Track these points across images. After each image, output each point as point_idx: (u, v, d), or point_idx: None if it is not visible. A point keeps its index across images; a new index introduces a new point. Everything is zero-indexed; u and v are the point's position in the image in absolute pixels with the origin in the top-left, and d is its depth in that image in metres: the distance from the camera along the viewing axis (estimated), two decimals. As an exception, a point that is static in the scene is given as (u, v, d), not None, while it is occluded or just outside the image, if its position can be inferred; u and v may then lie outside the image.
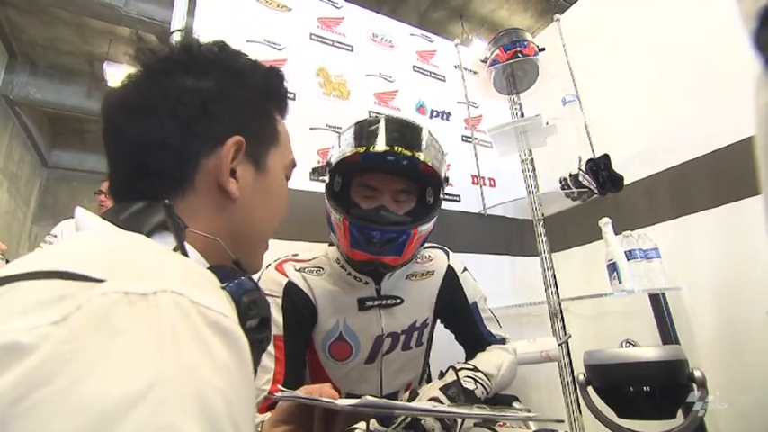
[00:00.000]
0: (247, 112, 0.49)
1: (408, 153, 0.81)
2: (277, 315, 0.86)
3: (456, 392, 0.83)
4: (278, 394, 0.53)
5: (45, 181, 6.73)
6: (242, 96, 0.49)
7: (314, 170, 0.90)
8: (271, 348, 0.84)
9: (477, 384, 0.87)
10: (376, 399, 0.46)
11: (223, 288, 0.36)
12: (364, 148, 0.81)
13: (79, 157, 6.93)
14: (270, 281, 0.90)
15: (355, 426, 0.73)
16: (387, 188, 0.87)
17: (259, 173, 0.49)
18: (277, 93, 0.55)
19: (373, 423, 0.71)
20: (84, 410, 0.21)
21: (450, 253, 1.09)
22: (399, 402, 0.48)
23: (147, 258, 0.32)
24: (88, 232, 0.39)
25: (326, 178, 0.88)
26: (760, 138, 0.26)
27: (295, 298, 0.89)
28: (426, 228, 0.89)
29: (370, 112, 1.76)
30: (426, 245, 1.03)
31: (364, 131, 0.85)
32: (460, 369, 0.89)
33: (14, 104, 5.35)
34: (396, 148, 0.80)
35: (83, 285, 0.26)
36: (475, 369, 0.90)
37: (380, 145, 0.80)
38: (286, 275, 0.90)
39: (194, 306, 0.27)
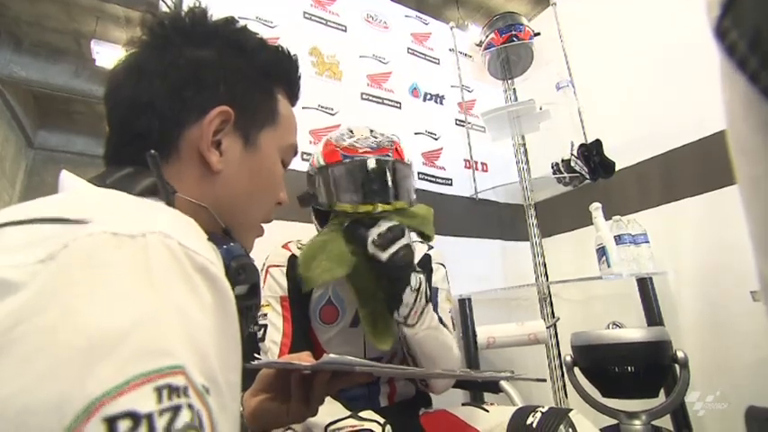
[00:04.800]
0: (243, 85, 0.48)
1: (390, 208, 0.96)
2: (282, 280, 0.99)
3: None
4: (254, 362, 0.53)
5: (31, 162, 6.59)
6: (240, 70, 0.48)
7: (300, 198, 1.01)
8: (278, 307, 0.96)
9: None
10: (337, 356, 0.47)
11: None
12: (351, 206, 0.96)
13: (67, 138, 6.78)
14: (277, 255, 1.03)
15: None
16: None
17: (248, 149, 0.47)
18: (284, 74, 0.53)
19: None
20: (77, 337, 0.22)
21: (435, 249, 1.16)
22: (362, 360, 0.49)
23: (133, 204, 0.32)
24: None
25: (317, 205, 1.04)
26: (730, 135, 0.26)
27: (297, 268, 1.00)
28: None
29: (362, 93, 1.74)
30: (414, 240, 1.15)
31: (350, 183, 0.99)
32: None
33: (-2, 82, 5.21)
34: (381, 206, 0.95)
35: (67, 227, 0.26)
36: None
37: (369, 203, 0.96)
38: (290, 251, 1.04)
39: (182, 249, 0.27)
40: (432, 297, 1.05)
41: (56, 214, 0.27)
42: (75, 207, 0.29)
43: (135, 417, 0.20)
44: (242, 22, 0.51)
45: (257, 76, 0.50)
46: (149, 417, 0.20)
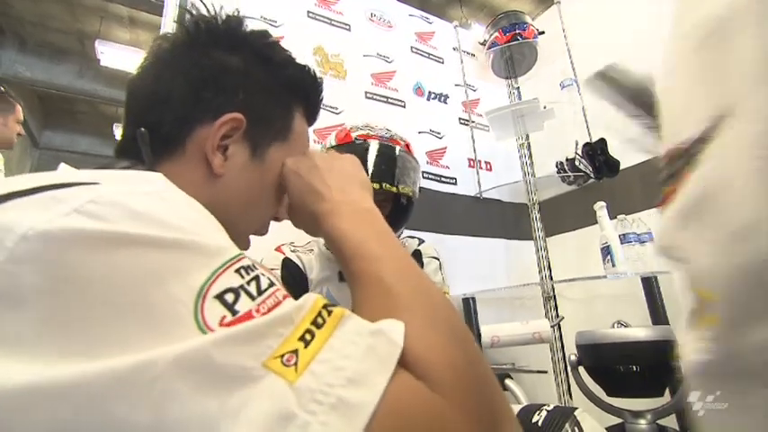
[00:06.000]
0: (262, 97, 0.48)
1: (394, 190, 0.98)
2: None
3: None
4: None
5: (36, 161, 6.63)
6: (262, 81, 0.49)
7: None
8: None
9: None
10: None
11: None
12: None
13: (71, 138, 6.83)
14: (270, 258, 1.03)
15: None
16: None
17: (254, 160, 0.47)
18: (304, 93, 0.54)
19: None
20: (162, 259, 0.26)
21: (425, 243, 1.16)
22: None
23: (131, 173, 0.36)
24: None
25: None
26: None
27: (291, 270, 1.01)
28: (399, 232, 1.07)
29: (366, 92, 1.75)
30: (406, 234, 1.18)
31: (362, 162, 1.00)
32: None
33: (2, 82, 5.24)
34: (383, 185, 0.96)
35: (79, 188, 0.28)
36: None
37: (373, 181, 0.94)
38: (284, 254, 1.04)
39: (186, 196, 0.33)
40: None
41: (64, 181, 0.28)
42: (81, 175, 0.30)
43: (233, 290, 0.26)
44: (275, 37, 0.52)
45: (278, 91, 0.50)
46: (242, 287, 0.27)
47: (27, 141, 6.35)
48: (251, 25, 0.51)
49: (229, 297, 0.26)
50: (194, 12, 0.50)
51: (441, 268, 1.13)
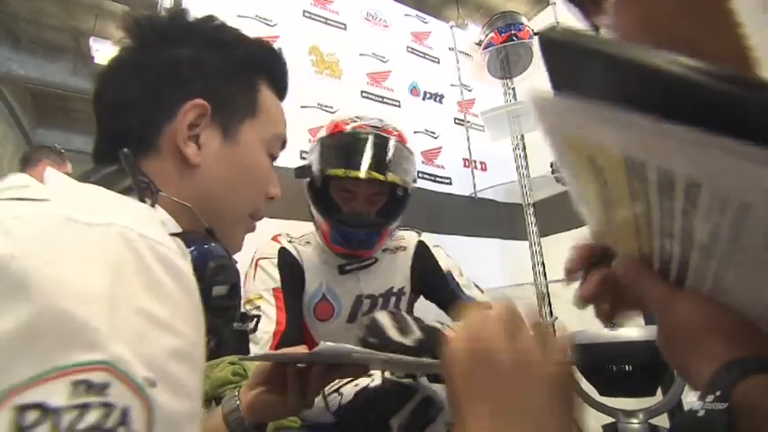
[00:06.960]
0: (220, 79, 0.48)
1: (382, 178, 0.96)
2: (274, 272, 0.98)
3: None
4: (251, 356, 0.54)
5: (29, 160, 6.58)
6: (216, 65, 0.49)
7: (297, 170, 1.01)
8: (271, 299, 0.94)
9: None
10: (332, 344, 0.47)
11: (191, 252, 0.37)
12: (343, 170, 0.96)
13: (65, 136, 6.76)
14: (267, 247, 1.03)
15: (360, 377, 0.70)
16: (363, 192, 1.01)
17: (227, 142, 0.47)
18: (265, 66, 0.53)
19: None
20: (7, 321, 0.21)
21: (423, 234, 1.18)
22: (358, 348, 0.49)
23: (100, 196, 0.33)
24: None
25: (311, 176, 1.03)
26: None
27: (288, 259, 1.02)
28: (395, 224, 1.06)
29: (362, 92, 1.75)
30: (400, 228, 1.17)
31: (345, 150, 1.00)
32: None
33: (-4, 80, 5.20)
34: (372, 174, 0.96)
35: (22, 203, 0.27)
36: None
37: (359, 170, 0.96)
38: (280, 243, 1.04)
39: (144, 240, 0.27)
40: (448, 280, 1.07)
41: (14, 195, 0.27)
42: (37, 190, 0.29)
43: (44, 409, 0.20)
44: (221, 19, 0.51)
45: (235, 70, 0.50)
46: (56, 412, 0.20)
47: (20, 139, 6.30)
48: (205, 16, 0.51)
49: (30, 417, 0.20)
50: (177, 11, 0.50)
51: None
